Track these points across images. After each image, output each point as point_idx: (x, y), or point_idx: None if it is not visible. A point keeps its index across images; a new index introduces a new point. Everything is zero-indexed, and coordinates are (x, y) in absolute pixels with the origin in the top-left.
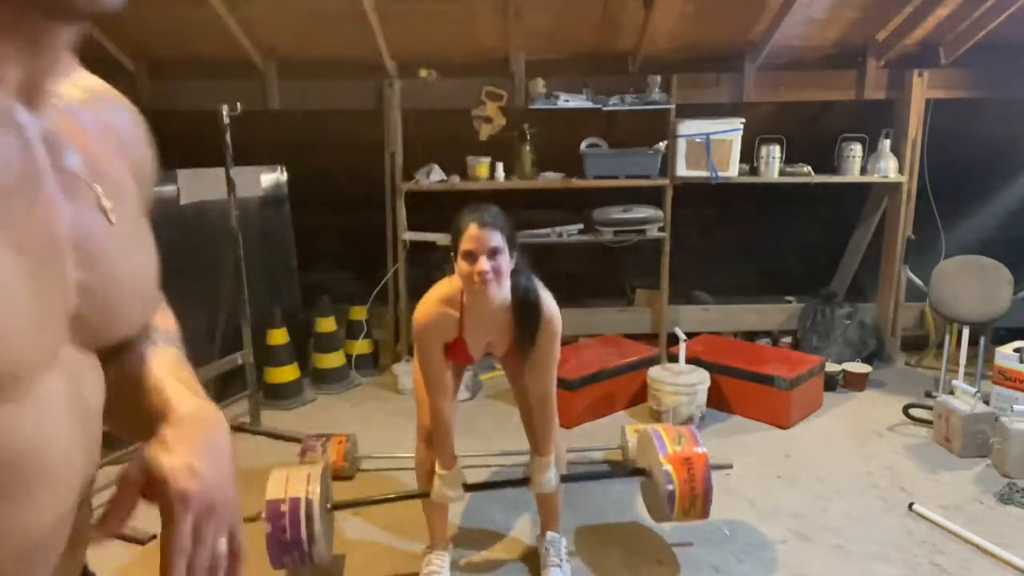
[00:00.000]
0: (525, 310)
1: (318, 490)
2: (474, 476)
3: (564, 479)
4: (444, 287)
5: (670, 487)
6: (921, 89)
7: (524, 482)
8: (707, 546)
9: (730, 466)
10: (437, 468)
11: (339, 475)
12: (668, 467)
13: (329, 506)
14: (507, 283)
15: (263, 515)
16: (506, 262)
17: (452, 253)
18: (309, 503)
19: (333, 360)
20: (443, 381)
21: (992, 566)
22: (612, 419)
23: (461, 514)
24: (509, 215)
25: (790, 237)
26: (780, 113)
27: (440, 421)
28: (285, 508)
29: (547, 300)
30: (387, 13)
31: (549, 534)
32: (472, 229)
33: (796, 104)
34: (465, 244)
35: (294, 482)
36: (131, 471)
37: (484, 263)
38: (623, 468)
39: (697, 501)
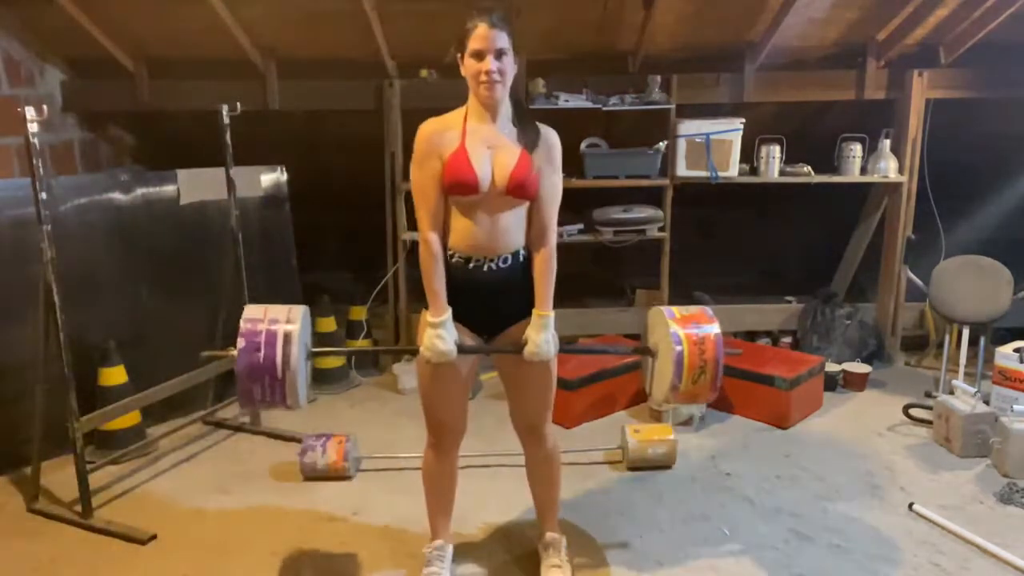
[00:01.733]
0: (523, 119)
1: (298, 326)
2: (474, 476)
3: (564, 350)
4: (450, 113)
5: (679, 348)
6: (921, 89)
7: (520, 348)
8: (707, 546)
9: (739, 352)
10: (428, 317)
11: (339, 475)
12: (676, 328)
13: (309, 351)
14: (510, 84)
15: (238, 339)
16: (511, 64)
17: (459, 54)
18: (288, 335)
19: (333, 360)
20: (437, 207)
21: (992, 566)
22: (612, 419)
23: (462, 514)
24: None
25: (790, 237)
26: (780, 113)
27: (432, 254)
28: (262, 327)
29: (541, 126)
30: (387, 13)
31: (549, 534)
32: (481, 28)
33: (796, 104)
34: (474, 43)
35: (274, 312)
36: None
37: (491, 62)
38: (629, 347)
39: (707, 368)
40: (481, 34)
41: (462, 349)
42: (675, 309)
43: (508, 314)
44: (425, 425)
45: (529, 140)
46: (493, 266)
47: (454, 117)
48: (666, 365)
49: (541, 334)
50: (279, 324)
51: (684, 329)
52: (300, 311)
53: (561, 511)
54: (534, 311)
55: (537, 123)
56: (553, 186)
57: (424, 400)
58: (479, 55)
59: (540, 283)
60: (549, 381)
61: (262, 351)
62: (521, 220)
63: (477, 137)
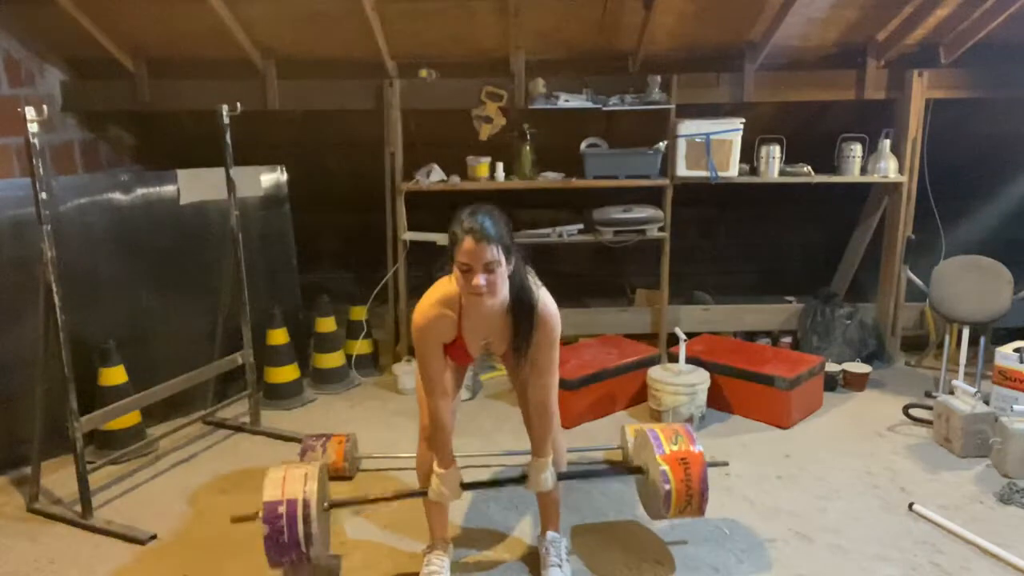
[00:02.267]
0: (521, 313)
1: (315, 490)
2: (475, 476)
3: (561, 477)
4: (442, 288)
5: (667, 487)
6: (921, 89)
7: (521, 480)
8: (707, 546)
9: (726, 463)
10: (435, 467)
11: (339, 475)
12: (665, 467)
13: (326, 505)
14: (505, 287)
15: (260, 515)
16: (502, 272)
17: (449, 256)
18: (307, 504)
19: (333, 360)
20: (442, 383)
21: (992, 566)
22: (612, 419)
23: (461, 514)
24: (509, 215)
25: (790, 237)
26: (780, 113)
27: (438, 422)
28: (283, 510)
29: (545, 301)
30: (387, 13)
31: (549, 534)
32: (467, 243)
33: (796, 104)
34: (460, 257)
35: (291, 482)
36: None
37: (479, 278)
38: (620, 467)
39: (693, 500)
40: (467, 248)
41: (467, 487)
42: (662, 437)
43: (507, 339)
44: (419, 419)
45: (521, 333)
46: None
47: (449, 303)
48: (657, 497)
49: (540, 475)
50: (297, 500)
51: (672, 467)
52: (316, 472)
53: (562, 511)
54: (532, 456)
55: (537, 296)
56: (550, 361)
57: (419, 392)
58: (467, 269)
59: (538, 429)
60: (550, 361)
61: (286, 534)
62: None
63: (473, 329)
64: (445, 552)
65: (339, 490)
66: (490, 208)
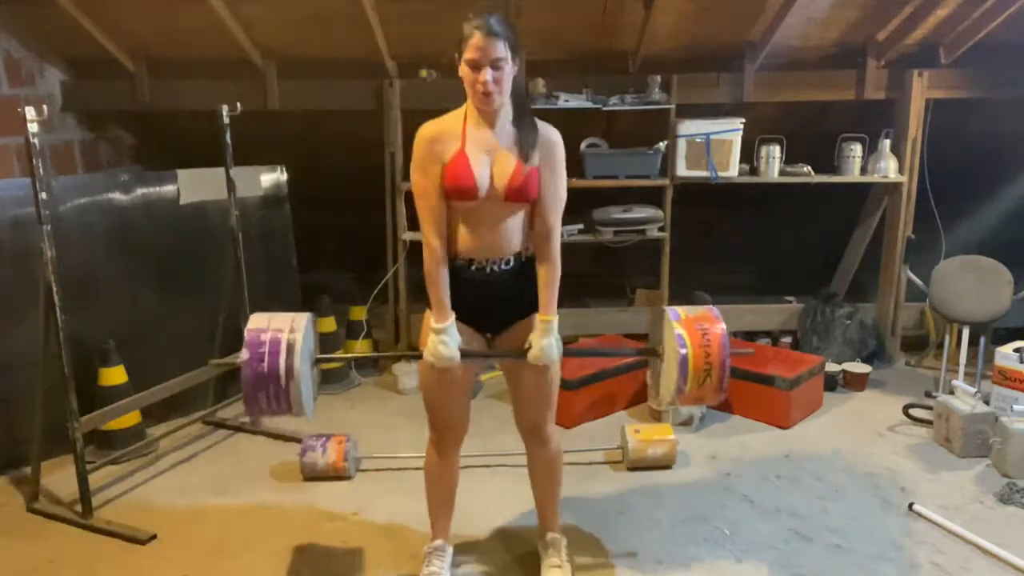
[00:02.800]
0: (522, 116)
1: (302, 334)
2: (474, 476)
3: (568, 353)
4: (449, 114)
5: (683, 351)
6: (921, 89)
7: (523, 354)
8: (707, 546)
9: (751, 352)
10: (432, 322)
11: (339, 475)
12: (681, 331)
13: (314, 358)
14: (509, 90)
15: (243, 349)
16: (509, 71)
17: (456, 55)
18: (292, 340)
19: (333, 361)
20: (439, 211)
21: (992, 566)
22: (612, 419)
23: (462, 515)
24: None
25: (790, 237)
26: (780, 113)
27: (436, 261)
28: (266, 337)
29: (542, 124)
30: (387, 13)
31: (549, 535)
32: (477, 38)
33: (796, 104)
34: (469, 52)
35: (278, 320)
36: None
37: (487, 74)
38: (634, 348)
39: (713, 371)
40: (476, 44)
41: (465, 354)
42: (681, 310)
43: (510, 314)
44: (428, 424)
45: (527, 144)
46: (495, 268)
47: (453, 119)
48: (671, 367)
49: (544, 339)
50: (282, 333)
51: (689, 331)
52: (304, 319)
53: (562, 511)
54: (538, 316)
55: (538, 121)
56: (555, 189)
57: (427, 400)
58: (475, 65)
59: (544, 288)
60: (551, 382)
61: (266, 361)
62: (521, 223)
63: (476, 142)
64: (445, 553)
65: (340, 489)
66: (499, 12)
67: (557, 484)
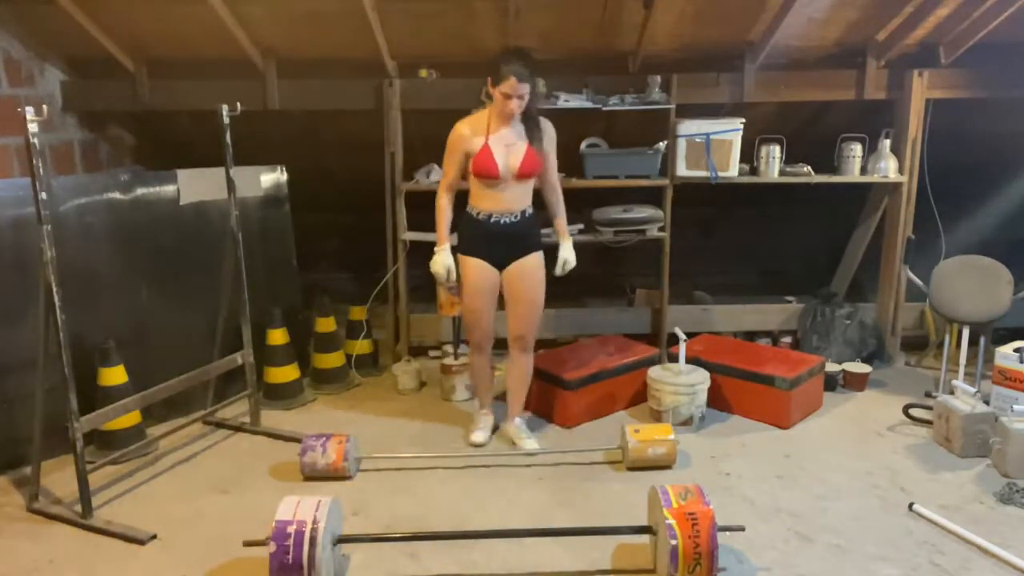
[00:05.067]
0: (531, 121)
1: (325, 519)
2: (474, 475)
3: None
4: (477, 114)
5: (673, 542)
6: (921, 89)
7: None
8: None
9: (741, 528)
10: (436, 247)
11: (339, 475)
12: (671, 521)
13: (336, 538)
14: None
15: (270, 535)
16: (527, 97)
17: (490, 80)
18: (315, 529)
19: (333, 360)
20: (456, 181)
21: (992, 566)
22: (612, 419)
23: (462, 515)
24: None
25: (790, 237)
26: (780, 113)
27: (441, 209)
28: (291, 530)
29: (542, 119)
30: (387, 13)
31: (517, 419)
32: (511, 82)
33: (796, 104)
34: (504, 88)
35: (304, 508)
36: None
37: (515, 103)
38: (630, 527)
39: (702, 560)
40: (511, 85)
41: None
42: (672, 494)
43: (517, 252)
44: (468, 337)
45: (535, 138)
46: (506, 220)
47: (480, 120)
48: (663, 554)
49: (567, 255)
50: (306, 525)
51: (679, 520)
52: (328, 506)
53: (561, 511)
54: (560, 239)
55: (539, 118)
56: (552, 162)
57: (466, 317)
58: (507, 96)
59: (559, 223)
60: (539, 304)
61: (291, 553)
62: (527, 190)
63: (497, 139)
64: (488, 418)
65: (340, 489)
66: (527, 52)
67: (526, 384)
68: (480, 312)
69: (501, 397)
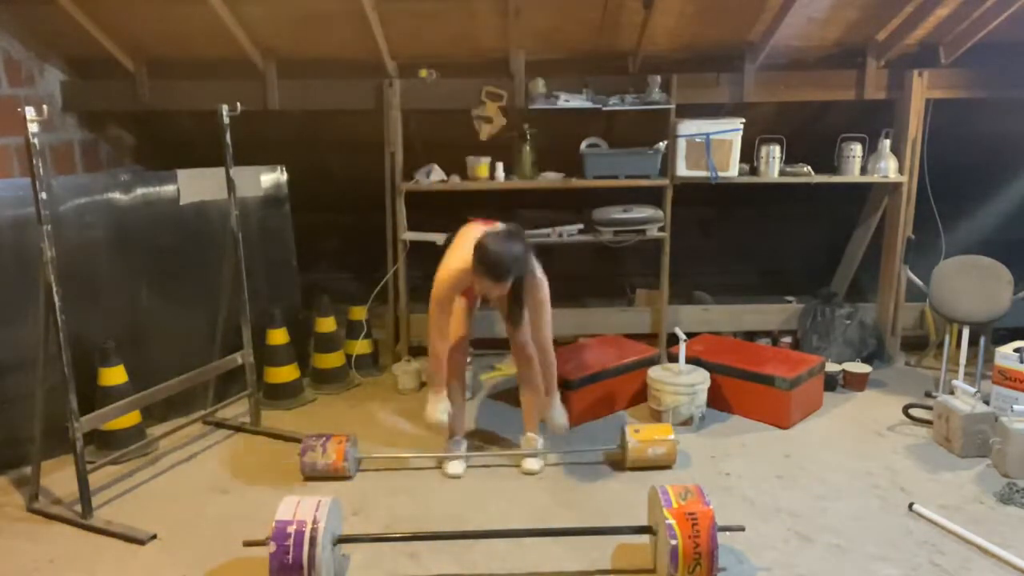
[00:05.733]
0: (515, 292)
1: (325, 519)
2: (475, 476)
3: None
4: (464, 256)
5: (673, 542)
6: (921, 89)
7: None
8: None
9: (741, 528)
10: (430, 393)
11: (339, 475)
12: (671, 521)
13: (336, 538)
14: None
15: (270, 535)
16: (510, 284)
17: (472, 267)
18: (315, 529)
19: (333, 360)
20: (446, 329)
21: (992, 566)
22: (612, 419)
23: (462, 515)
24: (509, 216)
25: (790, 237)
26: (780, 113)
27: (437, 358)
28: (291, 530)
29: (534, 272)
30: (387, 13)
31: (529, 434)
32: (486, 282)
33: (796, 104)
34: (478, 286)
35: (304, 508)
36: None
37: (493, 293)
38: (630, 527)
39: (702, 560)
40: (486, 285)
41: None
42: (672, 494)
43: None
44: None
45: (517, 317)
46: None
47: (467, 272)
48: (663, 554)
49: (556, 411)
50: (306, 525)
51: (679, 520)
52: (328, 506)
53: (561, 511)
54: (547, 398)
55: (523, 289)
56: (540, 304)
57: (438, 288)
58: (482, 287)
59: (548, 377)
60: (543, 313)
61: (291, 553)
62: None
63: (481, 290)
64: (461, 443)
65: (340, 489)
66: (509, 238)
67: (538, 384)
68: (444, 323)
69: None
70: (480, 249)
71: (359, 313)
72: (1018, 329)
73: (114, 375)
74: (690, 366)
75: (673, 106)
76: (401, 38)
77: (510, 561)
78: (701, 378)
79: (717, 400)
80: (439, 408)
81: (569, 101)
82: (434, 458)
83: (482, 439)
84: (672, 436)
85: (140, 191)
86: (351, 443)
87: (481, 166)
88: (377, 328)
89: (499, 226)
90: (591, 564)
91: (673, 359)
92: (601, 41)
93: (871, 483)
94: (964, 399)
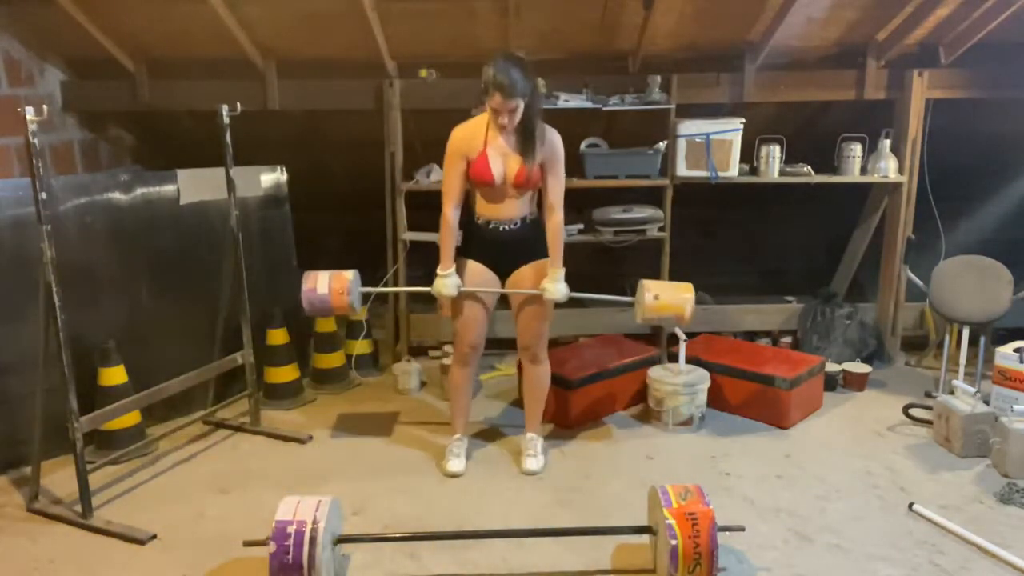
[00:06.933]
0: (525, 135)
1: (325, 519)
2: (474, 476)
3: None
4: (473, 119)
5: (673, 542)
6: (921, 89)
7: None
8: None
9: (741, 528)
10: (439, 270)
11: (342, 311)
12: (671, 521)
13: (336, 538)
14: (519, 115)
15: (271, 535)
16: (520, 108)
17: (481, 95)
18: (315, 529)
19: (333, 360)
20: (459, 191)
21: (992, 566)
22: (612, 419)
23: (462, 515)
24: None
25: (790, 237)
26: (780, 113)
27: (447, 224)
28: (291, 530)
29: (549, 130)
30: (387, 13)
31: (529, 434)
32: (497, 99)
33: (796, 104)
34: (491, 104)
35: (304, 508)
36: None
37: (504, 119)
38: (630, 527)
39: (702, 560)
40: (497, 102)
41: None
42: (672, 494)
43: (517, 259)
44: (454, 346)
45: (527, 154)
46: (506, 227)
47: (478, 125)
48: (663, 553)
49: (554, 284)
50: (306, 525)
51: (679, 520)
52: (328, 505)
53: (561, 511)
54: (549, 268)
55: (544, 126)
56: (556, 175)
57: (456, 323)
58: (495, 112)
59: (552, 248)
60: (545, 316)
61: (291, 553)
62: (527, 198)
63: (494, 147)
64: (463, 443)
65: (339, 489)
66: (516, 58)
67: (541, 396)
68: (471, 320)
69: (502, 398)
70: (488, 66)
71: (359, 313)
72: (1018, 329)
73: (114, 375)
74: (690, 366)
75: (673, 106)
76: (401, 38)
77: (510, 561)
78: (701, 378)
79: (717, 400)
80: (447, 283)
81: (569, 101)
82: (434, 458)
83: (482, 440)
84: (689, 295)
85: (140, 191)
86: (353, 280)
87: None
88: (377, 328)
89: None
90: (591, 564)
91: (673, 359)
92: (601, 41)
93: (871, 483)
94: (964, 399)
